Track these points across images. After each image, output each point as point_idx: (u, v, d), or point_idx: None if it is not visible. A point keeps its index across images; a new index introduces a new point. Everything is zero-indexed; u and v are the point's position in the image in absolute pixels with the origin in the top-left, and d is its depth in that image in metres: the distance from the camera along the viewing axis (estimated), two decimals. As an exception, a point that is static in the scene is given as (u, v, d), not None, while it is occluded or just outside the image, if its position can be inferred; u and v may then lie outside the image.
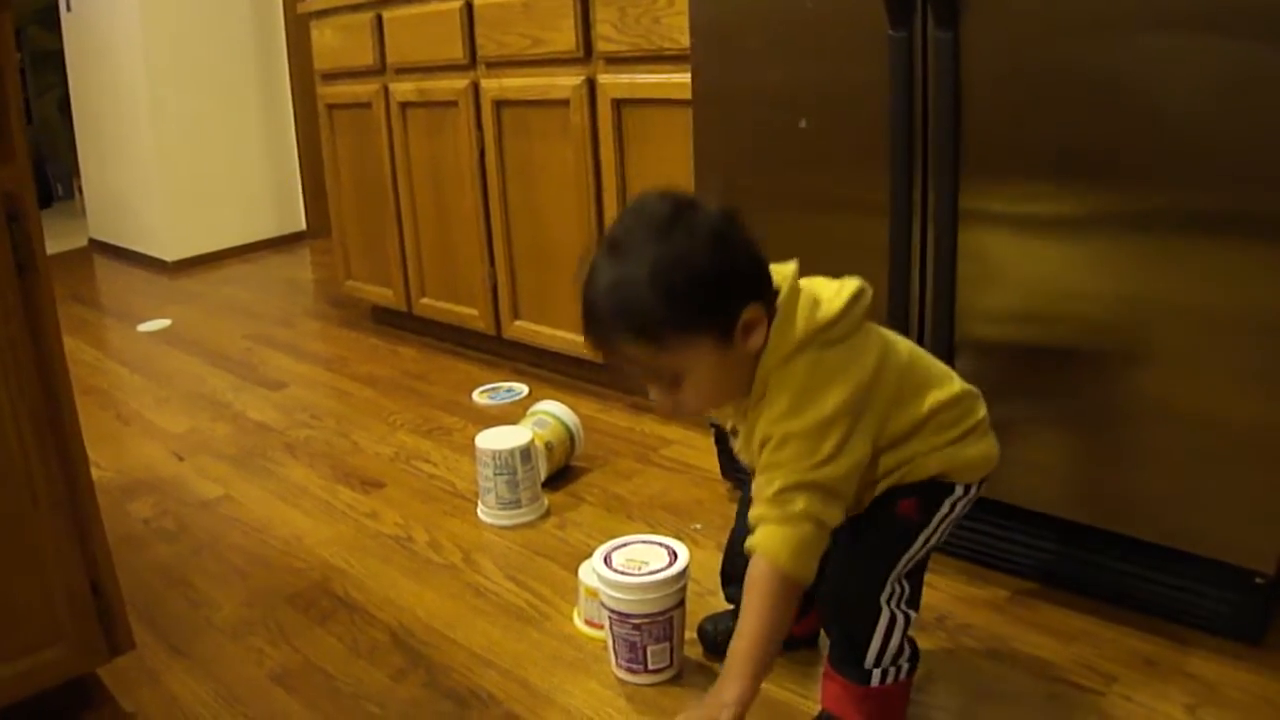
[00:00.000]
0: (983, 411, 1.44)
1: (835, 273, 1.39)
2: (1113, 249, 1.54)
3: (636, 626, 1.57)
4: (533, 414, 2.41)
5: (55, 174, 7.54)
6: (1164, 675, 1.56)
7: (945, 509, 1.41)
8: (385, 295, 3.62)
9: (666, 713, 1.55)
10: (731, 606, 1.68)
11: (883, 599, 1.38)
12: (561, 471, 2.37)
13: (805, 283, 1.36)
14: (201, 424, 2.91)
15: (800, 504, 1.27)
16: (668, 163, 2.43)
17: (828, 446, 1.28)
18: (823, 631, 1.57)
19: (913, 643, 1.44)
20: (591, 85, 2.59)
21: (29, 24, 7.22)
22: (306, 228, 5.61)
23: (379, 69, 3.32)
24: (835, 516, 1.30)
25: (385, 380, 3.20)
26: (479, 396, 2.96)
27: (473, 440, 2.22)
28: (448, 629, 1.81)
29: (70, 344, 1.85)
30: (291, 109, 5.46)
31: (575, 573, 1.80)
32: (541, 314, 2.99)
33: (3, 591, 1.45)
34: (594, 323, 1.31)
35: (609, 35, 2.49)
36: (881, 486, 1.40)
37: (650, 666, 1.60)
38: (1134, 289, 1.53)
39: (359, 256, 3.75)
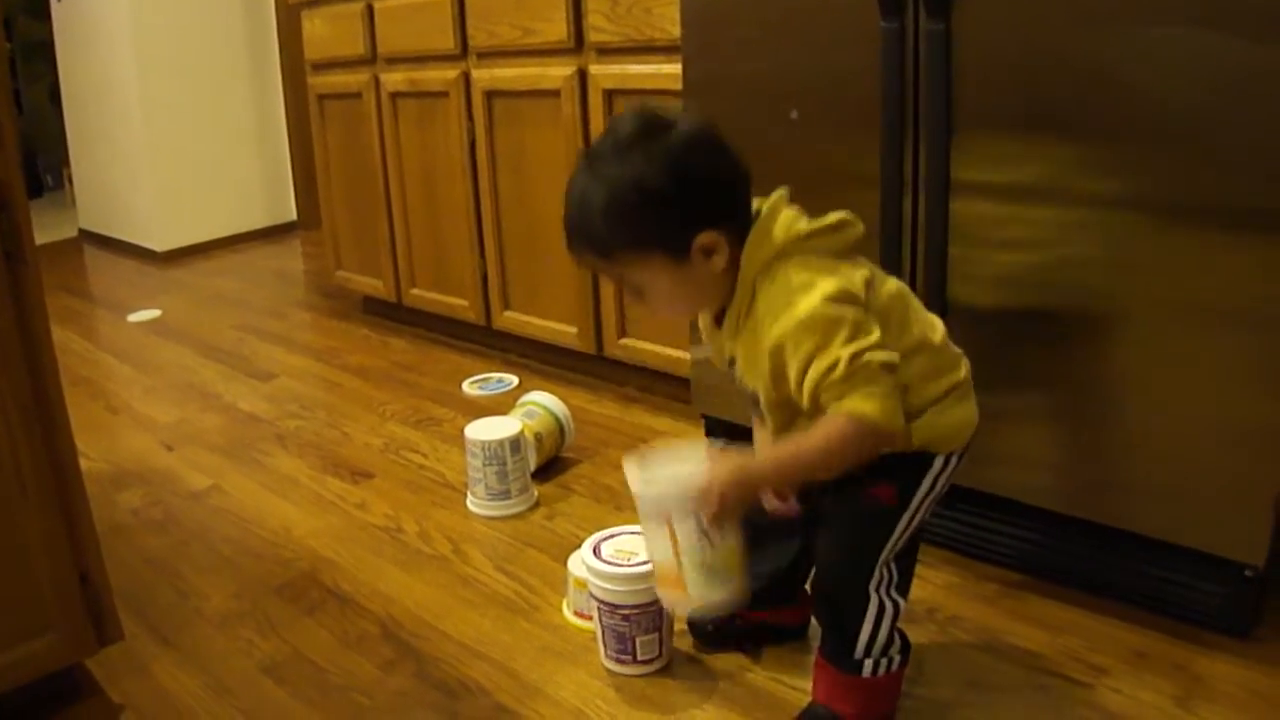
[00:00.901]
0: (964, 372, 1.40)
1: None
2: (1107, 246, 1.54)
3: (625, 617, 1.57)
4: (522, 405, 2.41)
5: (45, 164, 7.51)
6: (1153, 667, 1.56)
7: (926, 486, 1.38)
8: (375, 286, 3.62)
9: (655, 704, 1.56)
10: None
11: (871, 587, 1.38)
12: (551, 462, 2.37)
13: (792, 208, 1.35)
14: (191, 415, 2.91)
15: (873, 361, 1.23)
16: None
17: (850, 316, 1.25)
18: (814, 620, 1.57)
19: (903, 635, 1.44)
20: (583, 76, 2.58)
21: (19, 14, 7.19)
22: (297, 218, 5.59)
23: (370, 59, 3.31)
24: (895, 365, 1.26)
25: (375, 371, 3.20)
26: (469, 387, 2.96)
27: (462, 431, 2.21)
28: (437, 620, 1.81)
29: (59, 334, 1.85)
30: (282, 99, 5.44)
31: (564, 564, 1.79)
32: (532, 305, 2.98)
33: (-10, 582, 1.45)
34: (566, 235, 1.36)
35: (600, 26, 2.48)
36: None
37: (639, 657, 1.60)
38: (1128, 286, 1.53)
39: (349, 247, 3.74)
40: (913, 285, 1.72)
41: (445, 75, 3.00)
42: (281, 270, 4.80)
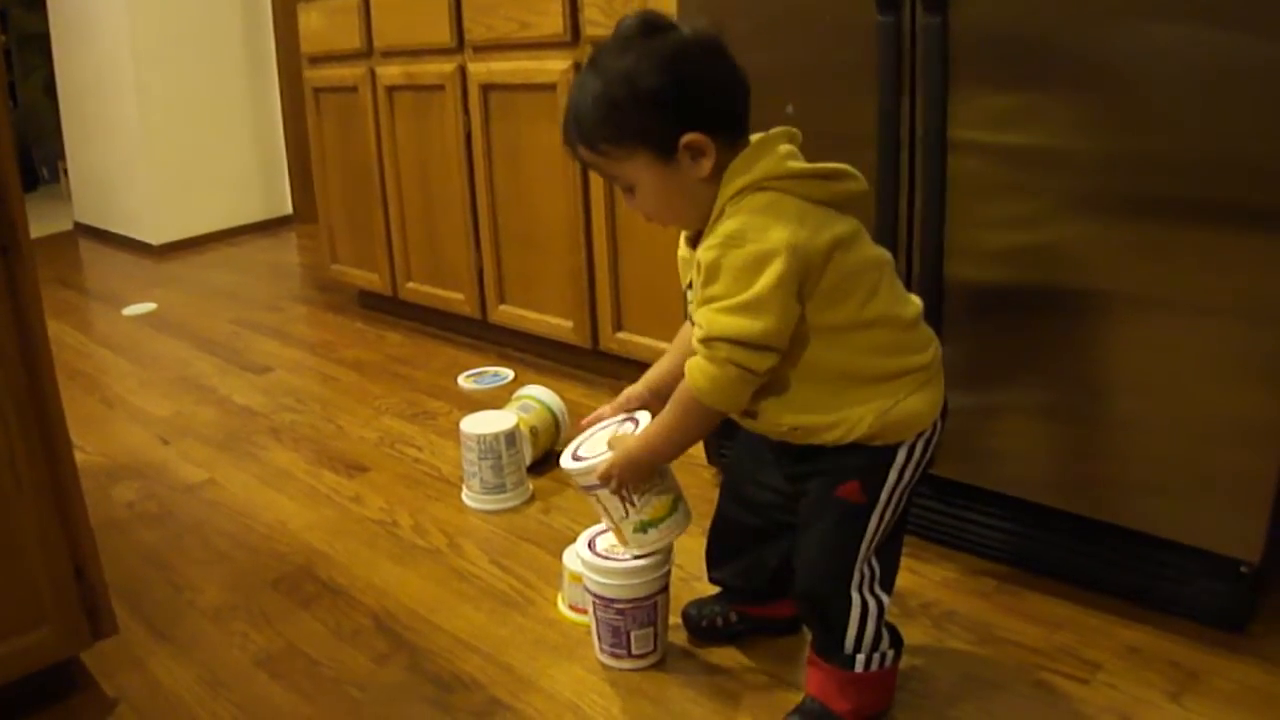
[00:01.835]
0: (930, 357, 1.37)
1: None
2: (1104, 241, 1.54)
3: (620, 611, 1.57)
4: (518, 398, 2.41)
5: (40, 157, 7.49)
6: (1148, 663, 1.56)
7: (893, 480, 1.36)
8: (371, 280, 3.61)
9: (650, 698, 1.56)
10: (717, 591, 1.68)
11: (852, 588, 1.38)
12: (546, 456, 2.36)
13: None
14: (186, 408, 2.90)
15: (723, 352, 1.27)
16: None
17: (759, 285, 1.24)
18: (806, 618, 1.57)
19: (893, 629, 1.44)
20: (579, 69, 2.57)
21: (14, 5, 7.18)
22: (293, 212, 5.58)
23: (366, 52, 3.30)
24: (763, 364, 1.28)
25: (371, 365, 3.19)
26: (464, 381, 2.96)
27: (458, 425, 2.21)
28: (431, 613, 1.81)
29: (55, 327, 1.84)
30: (278, 92, 5.42)
31: (559, 558, 1.80)
32: (527, 299, 2.98)
33: (-16, 575, 1.45)
34: (562, 131, 1.37)
35: (597, 19, 2.47)
36: (808, 421, 1.35)
37: (634, 651, 1.60)
38: (1123, 285, 1.53)
39: (345, 241, 3.73)
40: (908, 285, 1.73)
41: (441, 69, 2.99)
42: (277, 264, 4.79)
